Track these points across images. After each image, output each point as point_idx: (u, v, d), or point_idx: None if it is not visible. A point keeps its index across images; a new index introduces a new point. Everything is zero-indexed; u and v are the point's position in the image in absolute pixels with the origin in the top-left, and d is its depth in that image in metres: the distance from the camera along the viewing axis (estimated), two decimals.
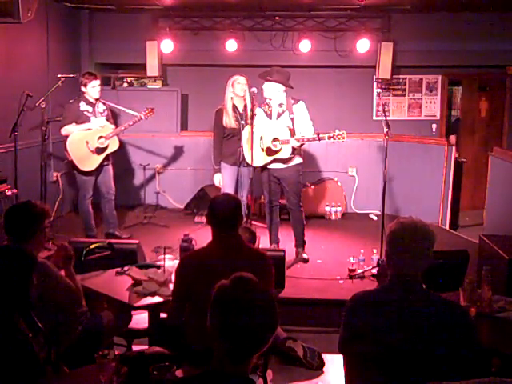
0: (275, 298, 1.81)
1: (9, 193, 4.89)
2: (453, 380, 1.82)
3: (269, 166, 5.22)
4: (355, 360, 2.26)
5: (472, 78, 7.72)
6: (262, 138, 5.15)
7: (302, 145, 5.14)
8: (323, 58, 7.49)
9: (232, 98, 5.41)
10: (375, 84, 7.62)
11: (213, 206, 2.97)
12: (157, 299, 3.21)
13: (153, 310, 3.25)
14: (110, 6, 7.20)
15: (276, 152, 5.09)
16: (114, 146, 5.73)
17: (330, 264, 5.44)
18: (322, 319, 4.40)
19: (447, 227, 6.90)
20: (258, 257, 2.97)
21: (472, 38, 7.19)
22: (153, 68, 7.44)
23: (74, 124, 5.57)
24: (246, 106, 5.43)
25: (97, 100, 5.73)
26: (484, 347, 2.41)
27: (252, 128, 4.97)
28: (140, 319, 3.47)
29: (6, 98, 5.57)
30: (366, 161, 7.56)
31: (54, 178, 6.77)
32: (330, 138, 4.95)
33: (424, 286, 2.23)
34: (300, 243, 5.44)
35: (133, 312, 3.40)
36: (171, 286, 3.06)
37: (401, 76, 7.74)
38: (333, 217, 7.31)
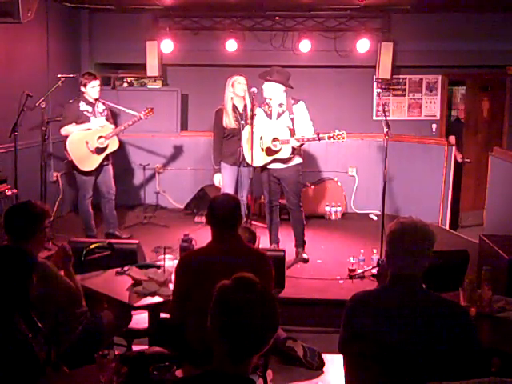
0: (275, 298, 1.81)
1: (9, 193, 4.89)
2: (453, 380, 1.82)
3: (269, 166, 5.21)
4: (355, 360, 2.26)
5: (475, 78, 7.71)
6: (261, 138, 5.15)
7: (301, 145, 5.14)
8: (323, 57, 7.49)
9: (232, 98, 5.41)
10: (375, 84, 7.62)
11: (212, 206, 2.97)
12: (157, 299, 3.21)
13: (153, 310, 3.25)
14: (110, 6, 7.20)
15: (276, 152, 5.09)
16: (113, 145, 5.73)
17: (329, 264, 5.44)
18: (322, 319, 4.40)
19: (447, 227, 6.91)
20: (258, 257, 2.97)
21: (472, 37, 7.19)
22: (153, 68, 7.44)
23: (73, 124, 5.57)
24: (245, 106, 5.43)
25: (96, 100, 5.73)
26: (484, 347, 2.41)
27: (252, 128, 4.97)
28: (140, 319, 3.47)
29: (6, 98, 5.57)
30: (366, 161, 7.56)
31: (54, 178, 6.77)
32: (329, 138, 4.95)
33: (424, 286, 2.23)
34: (300, 243, 5.44)
35: (133, 312, 3.40)
36: (171, 286, 3.06)
37: (401, 76, 7.74)
38: (333, 217, 7.31)
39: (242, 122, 5.36)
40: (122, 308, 3.27)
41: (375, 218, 7.22)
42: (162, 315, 3.25)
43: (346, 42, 7.41)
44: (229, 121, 5.38)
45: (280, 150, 5.07)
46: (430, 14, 7.26)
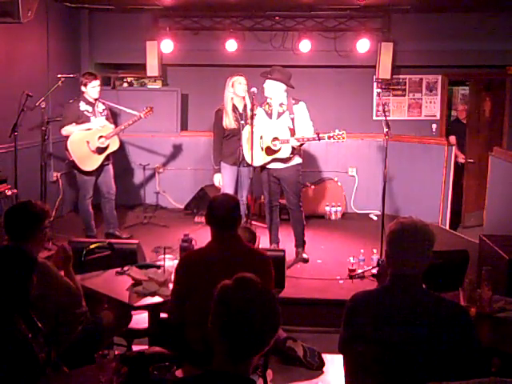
0: (277, 298, 1.81)
1: (9, 193, 4.89)
2: (453, 380, 1.82)
3: (268, 166, 5.21)
4: (355, 360, 2.25)
5: (477, 78, 7.70)
6: (261, 138, 5.15)
7: (301, 145, 5.14)
8: (323, 58, 7.49)
9: (232, 98, 5.40)
10: (375, 84, 7.62)
11: (211, 206, 2.97)
12: (157, 299, 3.21)
13: (153, 310, 3.25)
14: (110, 6, 7.20)
15: (276, 151, 5.09)
16: (114, 145, 5.73)
17: (330, 264, 5.44)
18: (322, 319, 4.40)
19: (447, 227, 6.91)
20: (258, 257, 2.97)
21: (472, 37, 7.19)
22: (153, 68, 7.44)
23: (74, 124, 5.57)
24: (245, 106, 5.42)
25: (96, 100, 5.73)
26: (484, 347, 2.41)
27: (252, 128, 4.97)
28: (140, 319, 3.47)
29: (6, 98, 5.57)
30: (366, 161, 7.56)
31: (54, 178, 6.77)
32: (329, 137, 4.95)
33: (424, 286, 2.23)
34: (300, 243, 5.44)
35: (133, 312, 3.40)
36: (171, 286, 3.06)
37: (401, 76, 7.74)
38: (333, 217, 7.31)
39: (242, 122, 5.35)
40: (122, 308, 3.26)
41: (375, 218, 7.22)
42: (162, 315, 3.24)
43: (346, 42, 7.41)
44: (229, 121, 5.37)
45: (280, 149, 5.07)
46: (429, 14, 7.26)
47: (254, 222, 5.61)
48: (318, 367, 3.73)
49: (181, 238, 3.78)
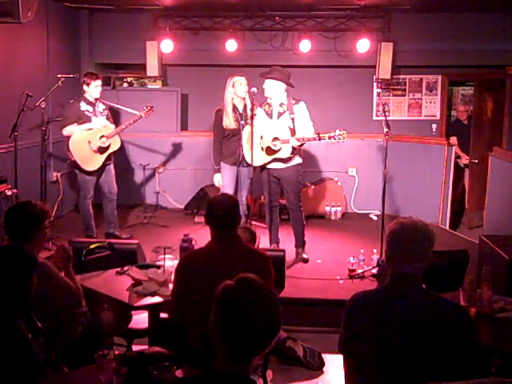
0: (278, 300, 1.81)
1: (9, 193, 4.89)
2: (453, 380, 1.82)
3: (268, 166, 5.21)
4: (355, 360, 2.25)
5: (480, 79, 7.68)
6: (262, 138, 5.15)
7: (302, 145, 5.14)
8: (323, 57, 7.49)
9: (233, 98, 5.40)
10: (375, 84, 7.62)
11: (210, 207, 2.97)
12: (157, 299, 3.21)
13: (153, 310, 3.24)
14: (110, 6, 7.20)
15: (276, 151, 5.09)
16: (115, 145, 5.74)
17: (329, 264, 5.44)
18: (322, 319, 4.40)
19: (447, 227, 6.90)
20: (258, 257, 2.97)
21: (472, 38, 7.19)
22: (153, 68, 7.44)
23: (75, 124, 5.58)
24: (245, 106, 5.42)
25: (97, 100, 5.74)
26: (484, 347, 2.41)
27: (252, 128, 4.97)
28: (140, 319, 3.47)
29: (6, 98, 5.57)
30: (366, 161, 7.56)
31: (54, 178, 6.77)
32: (330, 137, 4.95)
33: (424, 286, 2.23)
34: (300, 243, 5.44)
35: (133, 312, 3.40)
36: (171, 286, 3.06)
37: (401, 76, 7.75)
38: (333, 217, 7.31)
39: (242, 122, 5.35)
40: (122, 308, 3.26)
41: (375, 218, 7.22)
42: (162, 315, 3.24)
43: (346, 42, 7.41)
44: (229, 121, 5.37)
45: (280, 149, 5.07)
46: (429, 13, 7.26)
47: (253, 222, 5.62)
48: (317, 367, 3.73)
49: (181, 238, 3.78)
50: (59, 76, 5.68)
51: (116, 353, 2.30)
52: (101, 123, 5.66)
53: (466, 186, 7.43)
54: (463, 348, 2.12)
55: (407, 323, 2.13)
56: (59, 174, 6.82)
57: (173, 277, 3.01)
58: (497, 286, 3.15)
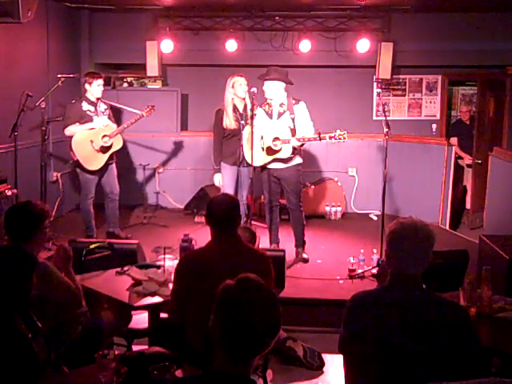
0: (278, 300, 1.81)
1: (9, 193, 4.89)
2: (453, 380, 1.82)
3: (269, 166, 5.21)
4: (355, 360, 2.25)
5: (480, 79, 7.67)
6: (262, 138, 5.14)
7: (302, 145, 5.14)
8: (323, 57, 7.49)
9: (233, 98, 5.40)
10: (375, 84, 7.62)
11: (211, 207, 2.97)
12: (157, 299, 3.21)
13: (153, 310, 3.25)
14: (110, 6, 7.20)
15: (276, 151, 5.09)
16: (118, 144, 5.75)
17: (329, 264, 5.43)
18: (322, 319, 4.40)
19: (447, 227, 6.90)
20: (258, 257, 2.97)
21: (472, 38, 7.19)
22: (153, 68, 7.44)
23: (77, 124, 5.58)
24: (245, 106, 5.42)
25: (98, 99, 5.74)
26: (484, 347, 2.41)
27: (252, 128, 4.96)
28: (140, 319, 3.47)
29: (6, 98, 5.57)
30: (366, 161, 7.56)
31: (54, 178, 6.77)
32: (331, 138, 4.95)
33: (424, 286, 2.23)
34: (300, 243, 5.44)
35: (133, 312, 3.40)
36: (171, 286, 3.06)
37: (401, 76, 7.75)
38: (333, 217, 7.31)
39: (242, 122, 5.35)
40: (122, 308, 3.27)
41: (375, 218, 7.22)
42: (162, 315, 3.25)
43: (346, 41, 7.41)
44: (229, 122, 5.37)
45: (280, 149, 5.06)
46: (429, 13, 7.26)
47: (254, 222, 5.61)
48: (317, 367, 3.73)
49: (181, 238, 3.77)
50: (59, 76, 5.68)
51: (116, 353, 2.30)
52: (103, 122, 5.66)
53: (468, 187, 7.42)
54: (463, 348, 2.12)
55: (407, 323, 2.13)
56: (59, 174, 6.82)
57: (173, 277, 3.01)
58: (497, 286, 3.15)
